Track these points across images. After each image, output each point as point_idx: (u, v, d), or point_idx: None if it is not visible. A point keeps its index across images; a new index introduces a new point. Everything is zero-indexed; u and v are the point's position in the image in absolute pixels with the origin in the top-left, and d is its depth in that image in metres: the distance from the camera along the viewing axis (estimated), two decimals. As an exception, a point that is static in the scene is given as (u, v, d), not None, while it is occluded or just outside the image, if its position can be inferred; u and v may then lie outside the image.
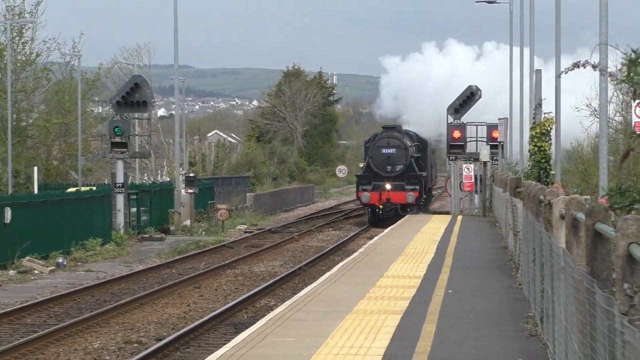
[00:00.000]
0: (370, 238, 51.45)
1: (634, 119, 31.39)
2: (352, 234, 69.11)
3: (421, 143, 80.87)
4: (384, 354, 17.98)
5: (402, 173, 70.26)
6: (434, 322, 21.86)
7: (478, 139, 77.01)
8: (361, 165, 78.70)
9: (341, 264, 37.13)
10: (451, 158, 77.11)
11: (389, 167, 69.92)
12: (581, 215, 12.60)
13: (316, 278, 34.65)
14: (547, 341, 18.32)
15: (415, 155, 74.04)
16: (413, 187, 69.40)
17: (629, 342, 7.72)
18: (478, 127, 77.84)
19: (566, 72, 18.68)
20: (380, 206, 68.22)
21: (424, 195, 75.75)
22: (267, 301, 35.24)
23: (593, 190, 33.36)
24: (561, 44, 42.94)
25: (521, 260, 29.17)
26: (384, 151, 70.81)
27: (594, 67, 18.78)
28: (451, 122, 77.31)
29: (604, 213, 11.69)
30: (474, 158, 73.87)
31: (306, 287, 31.29)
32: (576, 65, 17.17)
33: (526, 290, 26.06)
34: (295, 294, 29.68)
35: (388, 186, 68.16)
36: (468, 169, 73.58)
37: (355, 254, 40.61)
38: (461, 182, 74.49)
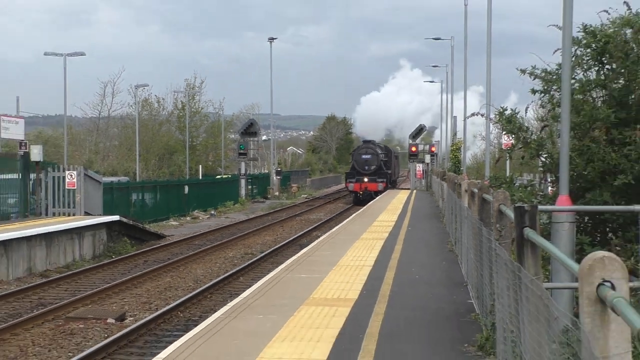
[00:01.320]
0: (370, 201, 50.69)
1: (504, 141, 31.85)
2: (361, 199, 67.62)
3: (388, 152, 74.22)
4: (375, 260, 18.04)
5: (374, 171, 63.31)
6: (401, 244, 21.92)
7: (431, 150, 76.64)
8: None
9: (354, 214, 37.03)
10: (411, 161, 76.93)
11: (366, 167, 63.09)
12: (475, 190, 12.62)
13: (342, 221, 34.54)
14: (458, 254, 18.35)
15: (384, 159, 67.32)
16: (382, 180, 62.90)
17: (498, 254, 7.73)
18: (431, 147, 77.60)
19: (469, 117, 18.54)
20: (360, 192, 61.29)
21: (389, 185, 68.71)
22: (317, 233, 35.06)
23: (482, 178, 33.60)
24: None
25: (445, 213, 29.09)
26: (363, 157, 64.11)
27: (482, 115, 18.80)
28: (411, 142, 77.40)
29: (487, 189, 11.69)
30: (423, 161, 73.62)
31: (336, 225, 31.32)
32: (473, 114, 17.10)
33: (448, 228, 25.93)
34: (331, 229, 29.62)
35: (365, 179, 61.72)
36: (419, 166, 73.38)
37: (362, 209, 40.49)
38: (415, 173, 74.51)
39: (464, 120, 40.74)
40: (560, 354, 4.64)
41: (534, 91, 14.14)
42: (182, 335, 11.03)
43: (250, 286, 15.30)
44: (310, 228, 38.18)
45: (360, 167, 62.88)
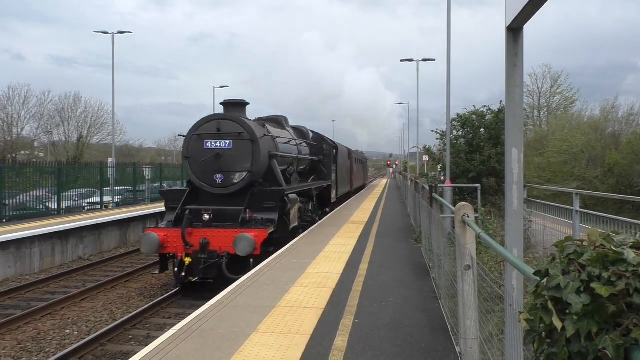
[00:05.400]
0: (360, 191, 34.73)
1: (425, 158, 26.69)
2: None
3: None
4: (366, 221, 13.09)
5: None
6: (378, 222, 13.73)
7: (395, 163, 71.69)
8: None
9: (347, 202, 25.52)
10: (388, 168, 72.49)
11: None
12: (413, 178, 12.17)
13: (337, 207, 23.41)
14: (406, 203, 15.81)
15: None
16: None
17: (422, 203, 7.54)
18: (395, 162, 72.34)
19: (412, 148, 17.91)
20: None
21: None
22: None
23: (416, 174, 29.32)
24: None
25: (401, 187, 24.08)
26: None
27: (426, 153, 18.21)
28: (388, 161, 73.93)
29: (417, 178, 11.31)
30: (392, 168, 67.86)
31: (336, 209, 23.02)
32: (414, 147, 16.62)
33: (402, 192, 21.12)
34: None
35: None
36: (391, 170, 67.81)
37: (351, 199, 27.84)
38: (389, 172, 69.71)
39: (407, 150, 38.04)
40: (447, 244, 4.63)
41: (440, 137, 14.75)
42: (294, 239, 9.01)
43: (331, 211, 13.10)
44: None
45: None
